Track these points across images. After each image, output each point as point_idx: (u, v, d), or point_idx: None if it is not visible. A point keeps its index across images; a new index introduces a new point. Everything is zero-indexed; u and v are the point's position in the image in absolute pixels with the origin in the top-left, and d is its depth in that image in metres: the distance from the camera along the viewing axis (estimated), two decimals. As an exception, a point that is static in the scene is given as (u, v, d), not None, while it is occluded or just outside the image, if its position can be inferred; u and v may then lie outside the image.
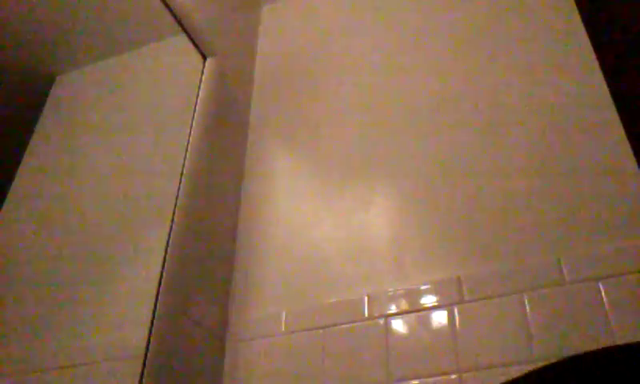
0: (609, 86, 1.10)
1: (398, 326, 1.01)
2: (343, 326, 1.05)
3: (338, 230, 1.18)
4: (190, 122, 1.20)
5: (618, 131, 1.05)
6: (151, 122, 1.15)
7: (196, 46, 1.29)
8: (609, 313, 0.89)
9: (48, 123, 0.92)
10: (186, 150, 1.15)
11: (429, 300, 1.02)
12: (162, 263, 0.99)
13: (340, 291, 1.10)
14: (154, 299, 0.95)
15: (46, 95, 0.93)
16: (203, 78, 1.28)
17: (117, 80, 1.10)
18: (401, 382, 0.95)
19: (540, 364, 0.88)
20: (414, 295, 1.03)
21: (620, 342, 0.86)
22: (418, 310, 1.02)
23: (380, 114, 1.31)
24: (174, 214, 1.06)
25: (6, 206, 0.81)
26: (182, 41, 1.26)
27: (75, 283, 0.89)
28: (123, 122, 1.08)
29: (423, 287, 1.03)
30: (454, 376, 0.93)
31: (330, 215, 1.21)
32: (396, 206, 1.17)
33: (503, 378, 0.89)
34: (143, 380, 0.87)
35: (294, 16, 1.63)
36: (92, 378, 0.85)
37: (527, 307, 0.94)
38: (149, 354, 0.90)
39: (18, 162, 0.86)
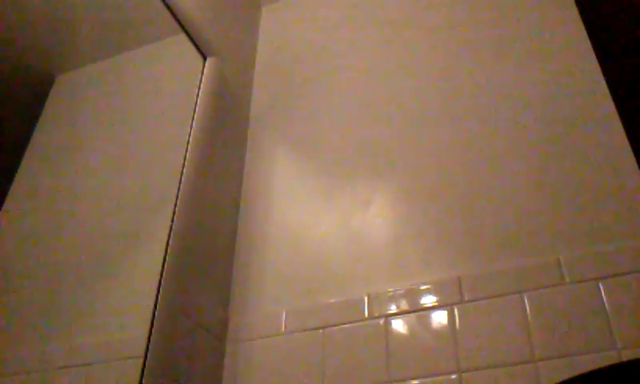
0: (609, 86, 1.10)
1: (398, 326, 1.01)
2: (343, 326, 1.05)
3: (338, 230, 1.18)
4: (190, 122, 1.20)
5: (618, 131, 1.05)
6: (151, 122, 1.15)
7: (196, 46, 1.29)
8: (609, 313, 0.89)
9: (48, 123, 0.92)
10: (186, 150, 1.15)
11: (429, 300, 1.02)
12: (162, 263, 0.99)
13: (340, 291, 1.10)
14: (154, 299, 0.95)
15: (46, 95, 0.93)
16: (203, 78, 1.28)
17: (117, 80, 1.10)
18: (401, 382, 0.96)
19: (540, 364, 0.89)
20: (414, 295, 1.03)
21: (620, 342, 0.86)
22: (418, 310, 1.02)
23: (380, 114, 1.31)
24: (174, 214, 1.06)
25: (6, 205, 0.81)
26: (182, 41, 1.26)
27: (75, 283, 0.89)
28: (123, 121, 1.08)
29: (423, 287, 1.04)
30: (454, 376, 0.93)
31: (330, 215, 1.21)
32: (396, 205, 1.17)
33: (503, 378, 0.90)
34: (143, 380, 0.87)
35: (294, 16, 1.63)
36: (92, 378, 0.85)
37: (527, 307, 0.94)
38: (149, 354, 0.90)
39: (18, 162, 0.86)
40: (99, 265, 0.93)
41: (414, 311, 1.02)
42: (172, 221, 1.05)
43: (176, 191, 1.09)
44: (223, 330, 1.12)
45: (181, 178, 1.11)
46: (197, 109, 1.22)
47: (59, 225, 0.90)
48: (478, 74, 1.25)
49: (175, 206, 1.07)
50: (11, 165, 0.85)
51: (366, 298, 1.06)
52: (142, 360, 0.89)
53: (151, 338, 0.91)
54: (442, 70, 1.30)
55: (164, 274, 0.98)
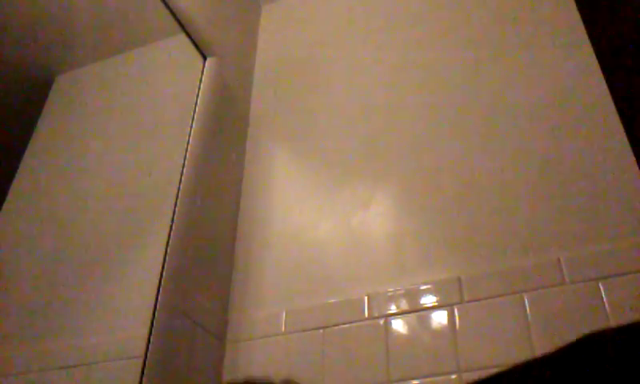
0: (609, 86, 1.10)
1: (398, 325, 1.01)
2: (343, 326, 1.05)
3: (338, 230, 1.18)
4: (190, 121, 1.20)
5: (618, 131, 1.05)
6: (151, 122, 1.15)
7: (196, 46, 1.29)
8: (609, 313, 0.89)
9: (48, 123, 0.92)
10: (186, 150, 1.15)
11: (429, 300, 1.02)
12: (162, 263, 0.99)
13: (340, 291, 1.10)
14: (154, 299, 0.95)
15: (46, 95, 0.93)
16: (203, 77, 1.28)
17: (117, 80, 1.10)
18: (401, 382, 0.95)
19: (540, 364, 0.89)
20: (413, 295, 1.03)
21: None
22: (418, 310, 1.01)
23: (379, 114, 1.31)
24: (173, 214, 1.06)
25: (6, 205, 0.81)
26: (182, 41, 1.26)
27: (75, 283, 0.89)
28: (123, 121, 1.08)
29: (423, 287, 1.03)
30: (453, 376, 0.93)
31: (330, 215, 1.21)
32: (396, 205, 1.17)
33: (503, 378, 0.89)
34: (143, 380, 0.87)
35: (294, 16, 1.63)
36: (92, 378, 0.85)
37: (527, 307, 0.94)
38: (149, 354, 0.90)
39: (18, 162, 0.86)
40: (99, 265, 0.93)
41: (413, 311, 1.02)
42: (172, 221, 1.05)
43: (176, 191, 1.09)
44: (223, 330, 1.12)
45: (181, 178, 1.11)
46: (197, 109, 1.22)
47: (59, 225, 0.90)
48: (478, 74, 1.25)
49: (175, 205, 1.07)
50: (11, 165, 0.85)
51: (366, 298, 1.06)
52: (142, 360, 0.89)
53: (151, 338, 0.91)
54: (443, 71, 1.30)
55: (164, 273, 0.98)
